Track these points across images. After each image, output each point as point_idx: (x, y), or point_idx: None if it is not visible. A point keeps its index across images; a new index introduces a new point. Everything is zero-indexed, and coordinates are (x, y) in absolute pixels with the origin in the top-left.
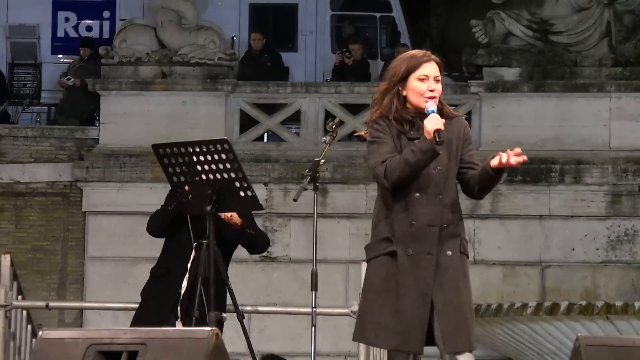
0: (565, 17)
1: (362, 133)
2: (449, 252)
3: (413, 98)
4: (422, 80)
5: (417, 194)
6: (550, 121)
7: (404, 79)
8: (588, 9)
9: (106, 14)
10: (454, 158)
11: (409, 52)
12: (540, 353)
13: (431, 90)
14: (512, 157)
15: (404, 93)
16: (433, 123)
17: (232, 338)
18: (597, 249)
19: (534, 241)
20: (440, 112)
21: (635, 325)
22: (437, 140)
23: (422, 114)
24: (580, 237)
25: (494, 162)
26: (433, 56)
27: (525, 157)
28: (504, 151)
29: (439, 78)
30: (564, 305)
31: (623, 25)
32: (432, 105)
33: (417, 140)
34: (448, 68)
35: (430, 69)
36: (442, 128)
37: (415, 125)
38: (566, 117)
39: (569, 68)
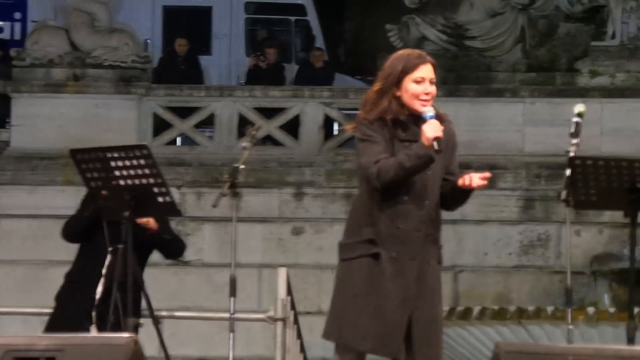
0: (479, 22)
1: (349, 128)
2: (430, 261)
3: (407, 100)
4: (418, 82)
5: (405, 197)
6: (465, 126)
7: (399, 80)
8: (502, 14)
9: (17, 15)
10: (442, 164)
11: (403, 51)
12: (453, 358)
13: (427, 94)
14: (475, 179)
15: (398, 94)
16: (433, 130)
17: (145, 343)
18: (510, 254)
19: (447, 246)
20: (438, 116)
21: (547, 330)
22: (437, 148)
23: (415, 116)
24: (493, 241)
25: (460, 182)
26: (429, 57)
27: (488, 174)
28: (470, 172)
29: (434, 80)
30: (476, 310)
31: (537, 31)
32: (430, 111)
33: (411, 144)
34: (362, 72)
35: (426, 70)
36: (442, 136)
37: (409, 127)
38: (480, 122)
39: (483, 73)
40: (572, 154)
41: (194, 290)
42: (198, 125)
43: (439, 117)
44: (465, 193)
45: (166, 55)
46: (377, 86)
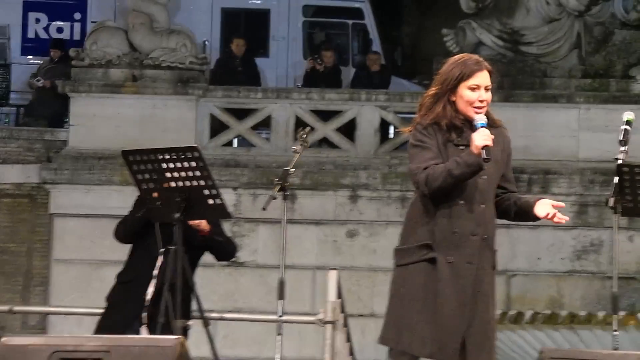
0: (535, 28)
1: (405, 130)
2: (486, 266)
3: (462, 106)
4: (473, 89)
5: (462, 202)
6: (520, 131)
7: (455, 85)
8: (558, 20)
9: (77, 15)
10: (498, 170)
11: (460, 56)
12: None
13: (481, 101)
14: (557, 217)
15: (453, 99)
16: (483, 139)
17: (197, 343)
18: (563, 259)
19: (501, 250)
20: (490, 120)
21: (599, 335)
22: (485, 157)
23: (470, 121)
24: (546, 246)
25: (540, 213)
26: (485, 63)
27: (567, 219)
28: (552, 205)
29: (490, 87)
30: (528, 314)
31: (593, 37)
32: (482, 119)
33: (465, 148)
34: (419, 76)
35: (482, 78)
36: (492, 144)
37: (464, 132)
38: (535, 127)
39: (539, 79)
40: (620, 161)
41: (248, 292)
42: (255, 127)
43: (493, 123)
44: (532, 219)
45: (223, 57)
46: (432, 90)
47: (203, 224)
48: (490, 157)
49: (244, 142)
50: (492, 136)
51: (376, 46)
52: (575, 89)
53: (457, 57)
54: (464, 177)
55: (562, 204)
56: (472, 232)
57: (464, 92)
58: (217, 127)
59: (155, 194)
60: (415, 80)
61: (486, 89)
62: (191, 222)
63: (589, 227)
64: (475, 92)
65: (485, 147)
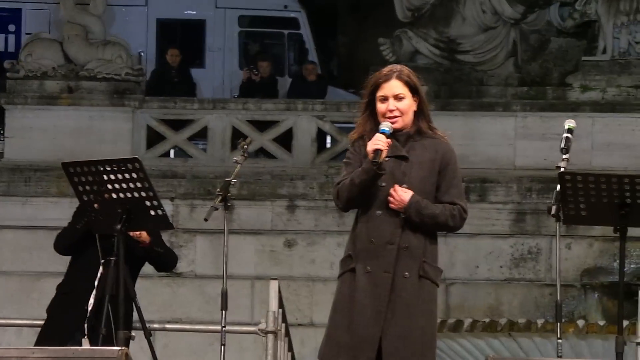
0: (472, 36)
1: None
2: (406, 274)
3: (379, 118)
4: (382, 101)
5: (379, 212)
6: (457, 139)
7: (372, 98)
8: (494, 28)
9: (12, 27)
10: (425, 178)
11: (380, 70)
12: None
13: (390, 111)
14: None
15: (375, 112)
16: (373, 143)
17: (137, 354)
18: (501, 267)
19: (439, 258)
20: (418, 130)
21: (538, 343)
22: (374, 160)
23: (392, 134)
24: (484, 254)
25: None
26: (398, 72)
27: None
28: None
29: (403, 95)
30: (467, 322)
31: (529, 45)
32: (384, 126)
33: (389, 159)
34: (355, 85)
35: (390, 88)
36: (382, 148)
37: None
38: (472, 135)
39: (476, 87)
40: (562, 169)
41: (186, 302)
42: (191, 138)
43: (425, 133)
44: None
45: (159, 68)
46: (360, 106)
47: (143, 235)
48: (377, 161)
49: (180, 153)
50: (389, 141)
51: (312, 56)
52: (511, 97)
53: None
54: (365, 184)
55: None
56: (388, 242)
57: (377, 105)
58: (153, 138)
59: (96, 206)
60: (352, 90)
61: (396, 97)
62: (132, 233)
63: (527, 235)
64: (384, 103)
65: (375, 151)
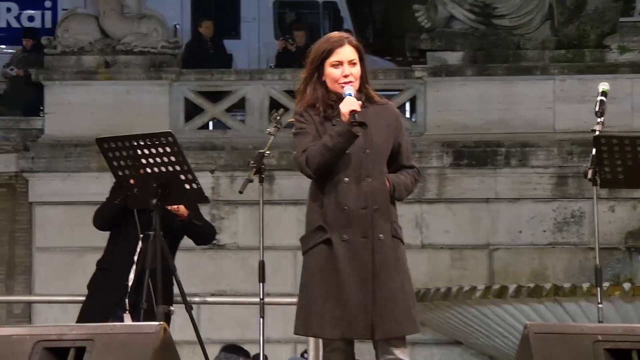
0: (507, 0)
1: (291, 120)
2: (381, 236)
3: (330, 85)
4: (335, 66)
5: (346, 179)
6: (495, 104)
7: (320, 65)
8: None
9: (48, 3)
10: (386, 144)
11: (325, 36)
12: (489, 336)
13: (345, 76)
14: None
15: (323, 79)
16: (348, 105)
17: (182, 327)
18: (544, 231)
19: (482, 224)
20: (367, 97)
21: (584, 307)
22: (353, 120)
23: (342, 99)
24: (527, 219)
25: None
26: (348, 39)
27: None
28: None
29: (355, 61)
30: (512, 288)
31: (565, 8)
32: (349, 89)
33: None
34: (391, 52)
35: (344, 53)
36: (358, 109)
37: (338, 109)
38: (511, 100)
39: (512, 51)
40: (597, 133)
41: (230, 274)
42: (229, 109)
43: (373, 99)
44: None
45: (194, 40)
46: (303, 74)
47: (181, 208)
48: (358, 120)
49: (219, 124)
50: (360, 102)
51: (347, 24)
52: (549, 60)
53: (322, 38)
54: (339, 147)
55: None
56: (361, 207)
57: (328, 70)
58: (191, 111)
59: (131, 181)
60: (388, 57)
61: (351, 63)
62: (170, 207)
63: (569, 199)
64: (338, 68)
65: (352, 112)
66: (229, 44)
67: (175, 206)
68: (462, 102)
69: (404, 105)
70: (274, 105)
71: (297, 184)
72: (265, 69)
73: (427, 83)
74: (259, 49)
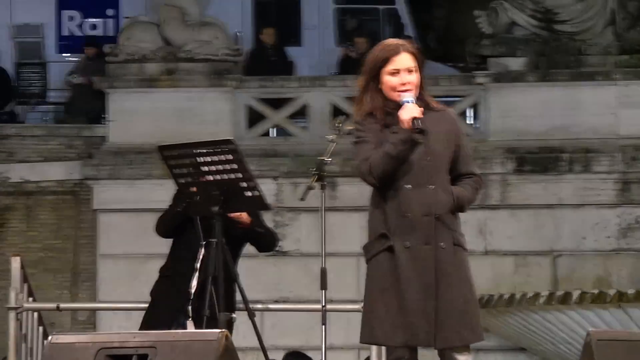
0: (569, 5)
1: (350, 128)
2: (442, 244)
3: (388, 93)
4: (392, 74)
5: (409, 186)
6: (558, 110)
7: (377, 73)
8: None
9: (110, 12)
10: (446, 150)
11: (380, 43)
12: (554, 342)
13: (403, 84)
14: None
15: (380, 87)
16: (408, 112)
17: (245, 333)
18: (608, 237)
19: (545, 230)
20: (426, 104)
21: None
22: (415, 127)
23: (401, 106)
24: (591, 225)
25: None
26: (407, 46)
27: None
28: None
29: (412, 68)
30: (576, 294)
31: (627, 13)
32: (407, 96)
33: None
34: (453, 59)
35: (402, 61)
36: (419, 115)
37: (398, 118)
38: (573, 105)
39: (575, 57)
40: None
41: (293, 281)
42: (292, 116)
43: (431, 107)
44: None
45: (255, 47)
46: (360, 82)
47: (244, 216)
48: (420, 127)
49: (281, 131)
50: (421, 109)
51: (409, 31)
52: (612, 65)
53: (378, 45)
54: (402, 154)
55: None
56: (423, 214)
57: (386, 79)
58: (254, 118)
59: (193, 189)
60: (450, 64)
61: (409, 71)
62: (232, 215)
63: (633, 205)
64: (396, 76)
65: (414, 119)
66: (291, 51)
67: (238, 213)
68: (524, 108)
69: (465, 111)
70: (336, 112)
71: (360, 191)
72: (327, 76)
73: (489, 89)
74: (320, 56)
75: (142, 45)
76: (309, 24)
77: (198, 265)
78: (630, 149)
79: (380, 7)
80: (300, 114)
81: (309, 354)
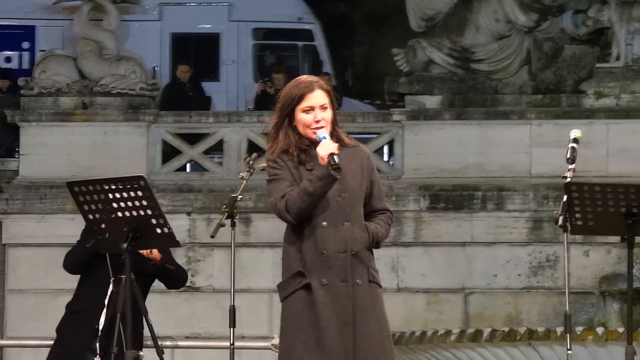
0: (485, 45)
1: (262, 166)
2: (358, 281)
3: (302, 130)
4: (307, 111)
5: (324, 223)
6: (473, 148)
7: (291, 111)
8: (508, 36)
9: (25, 44)
10: (361, 186)
11: (295, 80)
12: None
13: (317, 121)
14: None
15: (294, 124)
16: (325, 148)
17: None
18: (519, 275)
19: (457, 268)
20: (338, 140)
21: (558, 351)
22: (332, 163)
23: (316, 143)
24: (502, 263)
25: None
26: (318, 83)
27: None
28: None
29: (327, 105)
30: (486, 331)
31: (543, 53)
32: (323, 132)
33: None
34: (371, 96)
35: (315, 98)
36: (336, 152)
37: (313, 154)
38: (488, 144)
39: (490, 95)
40: (568, 180)
41: (205, 317)
42: (207, 152)
43: (344, 142)
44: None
45: (172, 82)
46: (273, 120)
47: (154, 252)
48: (337, 164)
49: (196, 167)
50: (337, 144)
51: (327, 67)
52: (526, 105)
53: (292, 81)
54: (320, 191)
55: None
56: (340, 250)
57: (300, 116)
58: (169, 153)
59: (102, 225)
60: (367, 101)
61: (322, 108)
62: (142, 251)
63: (544, 243)
64: (310, 114)
65: (331, 155)
66: (208, 86)
67: (148, 250)
68: (439, 146)
69: (382, 148)
70: (252, 147)
71: (274, 227)
72: (244, 111)
73: (405, 126)
74: (237, 92)
75: (57, 78)
76: (227, 59)
77: (106, 301)
78: (542, 188)
79: (300, 43)
80: (217, 149)
81: None
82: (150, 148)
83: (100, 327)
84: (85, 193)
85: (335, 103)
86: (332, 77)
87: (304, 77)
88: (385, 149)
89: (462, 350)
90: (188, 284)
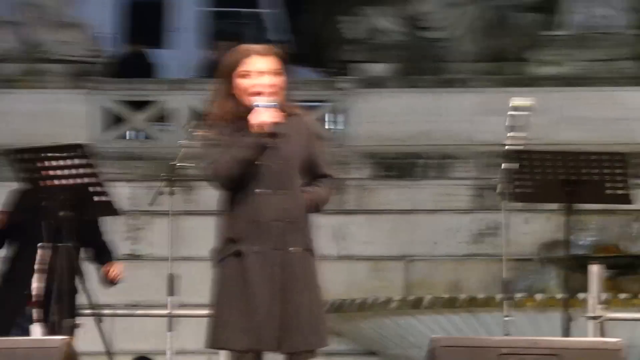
0: (432, 12)
1: (200, 133)
2: (291, 249)
3: (239, 96)
4: (244, 76)
5: (259, 190)
6: (418, 116)
7: (229, 77)
8: (454, 4)
9: None
10: (297, 154)
11: (234, 47)
12: (404, 347)
13: (254, 86)
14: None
15: (232, 92)
16: (258, 115)
17: (95, 338)
18: (460, 243)
19: (400, 236)
20: (283, 108)
21: (497, 318)
22: (265, 131)
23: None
24: (443, 231)
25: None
26: (255, 49)
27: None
28: None
29: (268, 71)
30: (427, 299)
31: (486, 21)
32: (259, 100)
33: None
34: (316, 64)
35: (253, 63)
36: (271, 119)
37: (248, 122)
38: (434, 112)
39: (436, 63)
40: (508, 147)
41: (145, 285)
42: (156, 120)
43: (286, 109)
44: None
45: (116, 50)
46: (214, 86)
47: (116, 271)
48: (272, 131)
49: (139, 134)
50: (275, 112)
51: (276, 35)
52: (470, 72)
53: (231, 49)
54: (249, 158)
55: None
56: (274, 219)
57: (237, 82)
58: (112, 121)
59: (40, 193)
60: (312, 68)
61: (260, 73)
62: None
63: (486, 211)
64: (247, 79)
65: (262, 123)
66: (154, 54)
67: (114, 273)
68: (384, 115)
69: (325, 116)
70: (195, 115)
71: (217, 195)
72: (187, 79)
73: (350, 95)
74: (183, 59)
75: None
76: (173, 26)
77: (37, 267)
78: (485, 156)
79: (246, 10)
80: (160, 117)
81: (158, 358)
82: (92, 115)
83: (33, 293)
84: (24, 160)
85: (284, 70)
86: (279, 44)
87: (245, 45)
88: (330, 117)
89: (402, 318)
90: (129, 252)
